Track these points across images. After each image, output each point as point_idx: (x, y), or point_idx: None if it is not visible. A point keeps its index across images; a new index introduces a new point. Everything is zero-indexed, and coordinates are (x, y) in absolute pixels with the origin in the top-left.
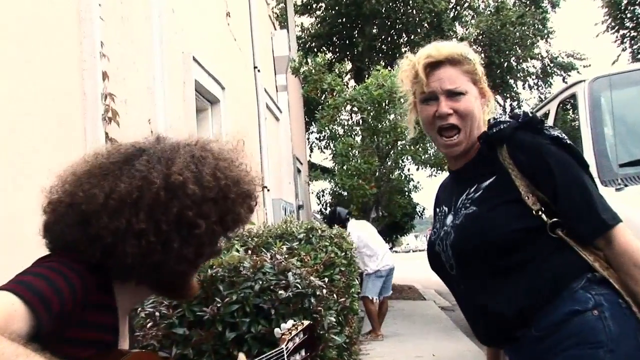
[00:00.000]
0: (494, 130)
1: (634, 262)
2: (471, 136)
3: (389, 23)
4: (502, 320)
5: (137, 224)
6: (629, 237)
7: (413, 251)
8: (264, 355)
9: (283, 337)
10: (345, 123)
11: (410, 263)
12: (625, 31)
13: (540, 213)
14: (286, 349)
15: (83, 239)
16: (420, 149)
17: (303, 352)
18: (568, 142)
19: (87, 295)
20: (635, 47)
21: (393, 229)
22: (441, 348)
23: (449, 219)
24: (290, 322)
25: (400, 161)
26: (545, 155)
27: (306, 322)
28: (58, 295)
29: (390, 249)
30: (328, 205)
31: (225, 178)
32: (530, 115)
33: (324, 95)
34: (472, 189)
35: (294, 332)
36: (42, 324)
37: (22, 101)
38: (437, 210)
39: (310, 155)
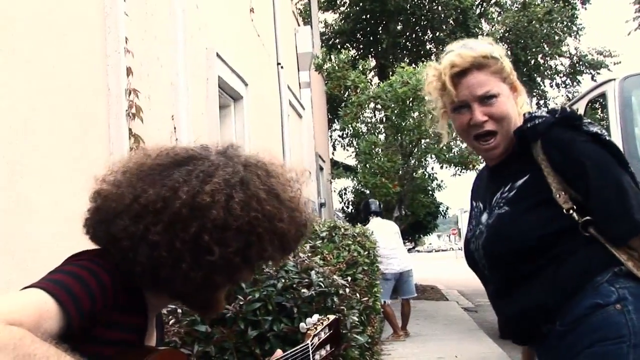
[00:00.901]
0: (529, 126)
1: None
2: (508, 135)
3: (413, 19)
4: (525, 317)
5: (153, 234)
6: None
7: (435, 251)
8: (289, 352)
9: (308, 332)
10: (369, 121)
11: (433, 263)
12: None
13: (571, 212)
14: (311, 344)
15: (107, 237)
16: (444, 147)
17: (328, 347)
18: (607, 139)
19: (116, 295)
20: None
21: (416, 228)
22: (463, 349)
23: (484, 217)
24: (315, 317)
25: (424, 160)
26: (579, 153)
27: (332, 317)
28: (89, 295)
29: (413, 248)
30: (350, 203)
31: (259, 210)
32: (569, 110)
33: (347, 92)
34: (507, 188)
35: (319, 328)
36: (72, 323)
37: (45, 96)
38: (474, 204)
39: (332, 153)
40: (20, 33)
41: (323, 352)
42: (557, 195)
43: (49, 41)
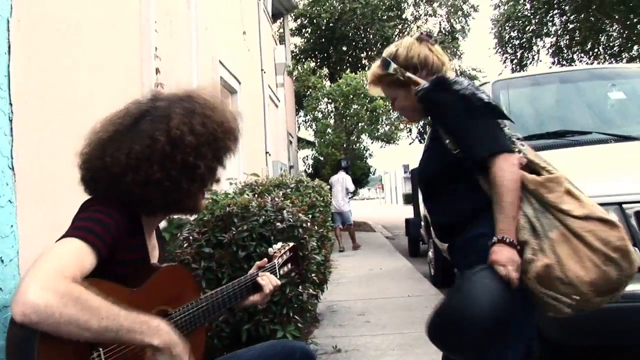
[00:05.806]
0: (417, 96)
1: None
2: (413, 114)
3: (353, 44)
4: (441, 228)
5: (154, 175)
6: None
7: (367, 199)
8: (264, 268)
9: (275, 254)
10: (323, 110)
11: (365, 207)
12: (506, 55)
13: (457, 151)
14: (277, 263)
15: (120, 194)
16: (374, 128)
17: (289, 265)
18: (467, 93)
19: (126, 226)
20: (513, 64)
21: (354, 183)
22: (386, 264)
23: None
24: (279, 244)
25: (361, 137)
26: (443, 108)
27: (291, 244)
28: (109, 232)
29: (352, 197)
30: (310, 166)
31: (212, 122)
32: (438, 76)
33: (309, 90)
34: (427, 137)
35: (282, 251)
36: (101, 254)
37: (100, 87)
38: None
39: (298, 132)
40: (88, 43)
41: (285, 269)
42: (447, 141)
43: (105, 51)
